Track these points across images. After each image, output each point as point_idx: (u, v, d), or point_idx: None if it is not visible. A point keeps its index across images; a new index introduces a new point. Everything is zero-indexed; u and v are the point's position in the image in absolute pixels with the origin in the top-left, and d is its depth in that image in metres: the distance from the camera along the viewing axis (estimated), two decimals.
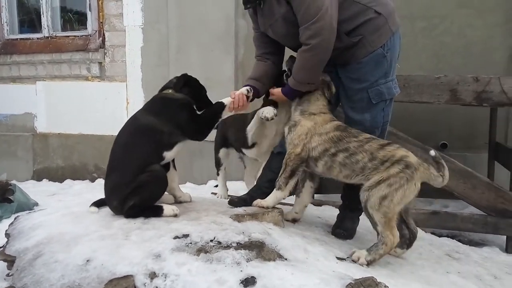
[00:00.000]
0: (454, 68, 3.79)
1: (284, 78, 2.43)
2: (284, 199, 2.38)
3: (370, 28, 2.25)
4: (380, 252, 2.08)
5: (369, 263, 2.07)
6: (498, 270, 2.51)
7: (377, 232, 2.11)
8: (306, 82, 2.30)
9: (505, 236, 3.05)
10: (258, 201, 2.35)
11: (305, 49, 2.20)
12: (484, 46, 3.90)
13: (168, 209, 2.15)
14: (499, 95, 2.96)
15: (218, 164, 3.14)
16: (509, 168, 3.12)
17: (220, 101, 2.37)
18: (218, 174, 3.17)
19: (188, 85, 2.38)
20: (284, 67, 2.50)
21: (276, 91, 2.43)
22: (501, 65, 3.88)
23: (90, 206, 2.30)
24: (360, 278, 1.70)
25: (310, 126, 2.27)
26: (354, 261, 2.07)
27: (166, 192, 2.34)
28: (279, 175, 2.32)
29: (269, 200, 2.34)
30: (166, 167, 2.35)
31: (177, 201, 2.44)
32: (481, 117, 3.74)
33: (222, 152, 3.09)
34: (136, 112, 2.36)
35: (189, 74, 2.48)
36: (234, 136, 2.92)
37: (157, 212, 2.13)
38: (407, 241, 2.31)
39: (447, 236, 3.14)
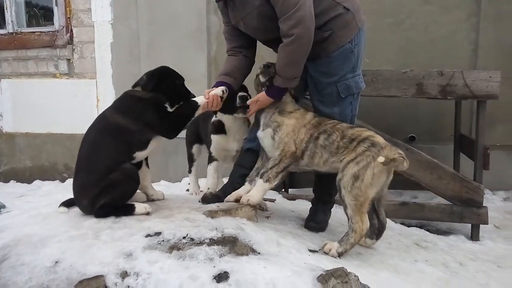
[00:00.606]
0: (420, 62, 3.91)
1: (263, 88, 2.41)
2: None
3: (340, 23, 2.30)
4: (351, 241, 2.12)
5: (340, 254, 2.11)
6: (464, 257, 2.62)
7: (347, 217, 2.14)
8: (294, 77, 2.29)
9: (470, 225, 3.17)
10: (244, 198, 2.27)
11: (289, 41, 2.18)
12: (449, 41, 4.03)
13: (140, 207, 2.13)
14: (463, 89, 3.08)
15: (191, 160, 3.13)
16: (473, 159, 3.24)
17: (194, 99, 2.35)
18: (190, 171, 3.16)
19: (159, 83, 2.29)
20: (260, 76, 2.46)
21: (261, 96, 2.38)
22: (464, 59, 4.02)
23: (59, 206, 2.26)
24: (331, 269, 1.74)
25: (294, 123, 2.33)
26: (326, 253, 2.11)
27: (138, 190, 2.32)
28: (269, 167, 2.29)
29: (256, 195, 2.28)
30: (138, 164, 2.33)
31: (149, 199, 2.42)
32: (447, 110, 3.88)
33: (195, 148, 3.08)
34: (105, 110, 2.31)
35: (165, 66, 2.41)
36: (205, 133, 2.92)
37: (129, 210, 2.11)
38: (376, 231, 2.37)
39: (416, 226, 3.24)
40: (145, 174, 2.39)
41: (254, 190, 2.31)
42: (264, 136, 2.39)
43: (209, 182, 2.80)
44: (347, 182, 2.11)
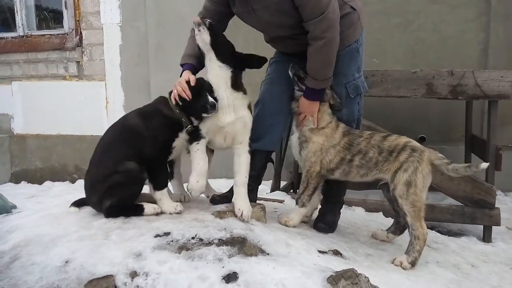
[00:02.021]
0: (430, 62, 3.88)
1: (298, 89, 2.36)
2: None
3: (347, 23, 2.29)
4: (417, 248, 2.18)
5: (412, 264, 2.16)
6: (475, 258, 2.59)
7: (408, 226, 2.21)
8: (329, 77, 2.26)
9: (482, 226, 3.12)
10: (283, 219, 2.34)
11: (321, 44, 2.14)
12: (458, 41, 4.00)
13: (149, 207, 2.13)
14: (474, 88, 3.04)
15: None
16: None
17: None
18: None
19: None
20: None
21: (304, 103, 2.31)
22: (474, 58, 3.98)
23: (70, 206, 2.28)
24: (340, 270, 1.72)
25: (322, 142, 2.30)
26: (397, 266, 2.15)
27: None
28: (300, 193, 2.33)
29: (295, 219, 2.35)
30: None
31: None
32: (458, 110, 3.84)
33: None
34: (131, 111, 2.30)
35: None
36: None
37: (138, 211, 2.11)
38: (400, 228, 2.46)
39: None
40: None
41: (293, 214, 2.37)
42: (292, 144, 2.39)
43: (197, 167, 2.15)
44: (401, 190, 2.16)
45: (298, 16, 2.16)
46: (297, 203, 2.37)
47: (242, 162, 2.23)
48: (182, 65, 2.32)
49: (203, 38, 2.14)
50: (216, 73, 2.17)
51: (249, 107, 2.27)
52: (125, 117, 2.29)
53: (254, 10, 2.23)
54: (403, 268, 2.15)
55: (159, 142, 2.14)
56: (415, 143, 2.24)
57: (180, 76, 2.26)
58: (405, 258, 2.18)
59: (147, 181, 2.20)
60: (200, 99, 2.13)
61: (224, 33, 2.32)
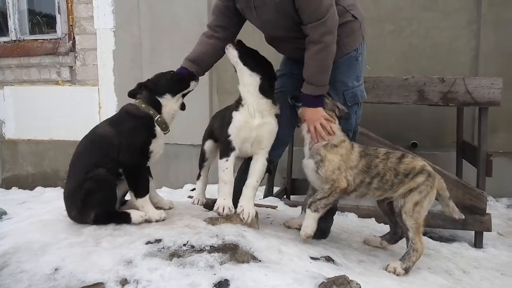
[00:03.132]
0: (421, 69, 3.91)
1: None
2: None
3: (347, 31, 2.29)
4: (413, 259, 2.22)
5: (406, 271, 2.19)
6: (467, 264, 2.59)
7: (407, 239, 2.26)
8: (325, 84, 2.24)
9: (473, 232, 3.14)
10: (302, 233, 2.24)
11: (319, 48, 2.14)
12: (450, 48, 4.04)
13: (136, 215, 2.09)
14: (464, 95, 3.07)
15: (202, 159, 2.60)
16: (475, 166, 3.22)
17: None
18: (199, 176, 2.64)
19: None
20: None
21: (307, 112, 2.26)
22: (465, 65, 4.02)
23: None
24: (332, 277, 1.72)
25: (338, 160, 2.25)
26: (390, 272, 2.17)
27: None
28: (317, 198, 2.26)
29: (311, 225, 2.25)
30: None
31: (155, 206, 2.32)
32: (449, 116, 3.87)
33: (208, 144, 2.55)
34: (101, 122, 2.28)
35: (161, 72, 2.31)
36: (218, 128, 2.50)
37: (125, 219, 2.08)
38: (396, 238, 2.49)
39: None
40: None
41: (306, 221, 2.29)
42: (306, 166, 2.33)
43: (224, 189, 2.20)
44: (409, 208, 2.23)
45: (297, 18, 2.16)
46: (309, 207, 2.28)
47: (258, 166, 2.30)
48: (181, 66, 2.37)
49: (231, 53, 2.29)
50: (245, 80, 2.26)
51: (276, 116, 2.31)
52: (95, 127, 2.24)
53: (255, 7, 2.23)
54: (396, 275, 2.16)
55: (134, 147, 2.10)
56: (430, 168, 2.30)
57: None
58: (399, 264, 2.20)
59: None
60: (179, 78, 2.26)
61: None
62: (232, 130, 2.23)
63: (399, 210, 2.25)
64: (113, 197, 2.11)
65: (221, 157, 2.25)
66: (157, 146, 2.19)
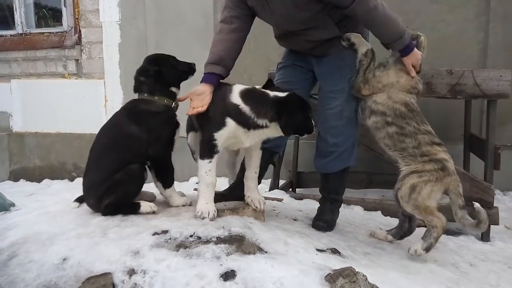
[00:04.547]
0: (429, 61, 3.86)
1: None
2: None
3: (355, 21, 2.30)
4: (434, 235, 2.20)
5: (427, 250, 2.19)
6: (474, 257, 2.58)
7: (413, 228, 2.31)
8: (404, 31, 2.24)
9: None
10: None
11: (378, 10, 2.14)
12: (457, 40, 3.99)
13: (145, 205, 2.12)
14: (472, 88, 3.03)
15: (192, 154, 2.52)
16: (483, 159, 3.20)
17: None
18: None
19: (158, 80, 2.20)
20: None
21: (407, 59, 2.28)
22: (473, 58, 3.98)
23: (73, 201, 2.30)
24: (339, 269, 1.72)
25: (395, 80, 2.28)
26: (412, 255, 2.18)
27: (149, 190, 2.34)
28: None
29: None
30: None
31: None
32: (457, 109, 3.83)
33: (191, 137, 2.44)
34: (120, 114, 2.22)
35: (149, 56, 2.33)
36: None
37: (134, 209, 2.11)
38: (401, 233, 2.45)
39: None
40: None
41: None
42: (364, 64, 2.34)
43: (205, 191, 2.10)
44: (404, 192, 2.18)
45: (315, 8, 2.16)
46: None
47: (255, 158, 2.25)
48: (205, 73, 2.22)
49: None
50: None
51: None
52: (117, 123, 2.19)
53: (268, 3, 2.21)
54: (417, 255, 2.17)
55: (163, 140, 2.15)
56: (450, 166, 2.23)
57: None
58: (420, 244, 2.19)
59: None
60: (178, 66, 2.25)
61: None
62: (220, 136, 2.04)
63: (395, 194, 2.21)
64: (138, 192, 2.18)
65: (202, 157, 2.06)
66: (177, 134, 2.24)
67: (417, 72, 2.34)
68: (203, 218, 2.03)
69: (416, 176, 2.18)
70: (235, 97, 2.06)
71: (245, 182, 2.27)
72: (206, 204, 2.07)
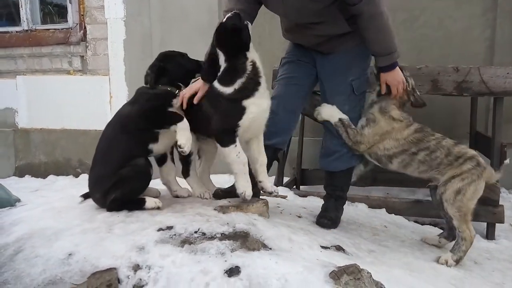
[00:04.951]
0: (435, 59, 3.84)
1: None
2: None
3: None
4: (463, 249, 2.25)
5: (457, 262, 2.24)
6: (478, 255, 2.57)
7: (455, 228, 2.29)
8: (395, 49, 2.27)
9: (485, 223, 3.10)
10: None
11: (382, 17, 2.16)
12: (463, 37, 3.96)
13: (150, 201, 2.14)
14: (479, 85, 3.01)
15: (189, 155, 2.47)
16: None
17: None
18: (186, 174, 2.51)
19: (162, 74, 2.24)
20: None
21: (387, 76, 2.31)
22: (480, 55, 3.94)
23: (80, 196, 2.32)
24: (343, 266, 1.72)
25: (387, 130, 2.33)
26: (442, 264, 2.22)
27: (154, 187, 2.35)
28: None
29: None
30: (163, 159, 2.35)
31: (173, 195, 2.41)
32: (463, 106, 3.80)
33: None
34: (123, 104, 2.33)
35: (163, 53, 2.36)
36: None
37: (139, 204, 2.12)
38: (453, 234, 2.46)
39: (430, 224, 3.19)
40: (169, 169, 2.39)
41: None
42: (367, 102, 2.41)
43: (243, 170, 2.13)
44: (449, 195, 2.24)
45: (328, 1, 2.14)
46: None
47: (261, 145, 2.26)
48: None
49: None
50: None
51: None
52: (124, 116, 2.23)
53: None
54: (448, 266, 2.21)
55: (155, 113, 2.17)
56: (481, 159, 2.30)
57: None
58: (450, 256, 2.24)
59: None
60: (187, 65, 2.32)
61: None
62: (244, 122, 2.06)
63: (439, 198, 2.26)
64: (144, 188, 2.20)
65: (226, 145, 2.09)
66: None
67: (400, 97, 2.38)
68: (247, 198, 2.15)
69: (458, 180, 2.24)
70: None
71: (260, 168, 2.25)
72: (247, 183, 2.16)
